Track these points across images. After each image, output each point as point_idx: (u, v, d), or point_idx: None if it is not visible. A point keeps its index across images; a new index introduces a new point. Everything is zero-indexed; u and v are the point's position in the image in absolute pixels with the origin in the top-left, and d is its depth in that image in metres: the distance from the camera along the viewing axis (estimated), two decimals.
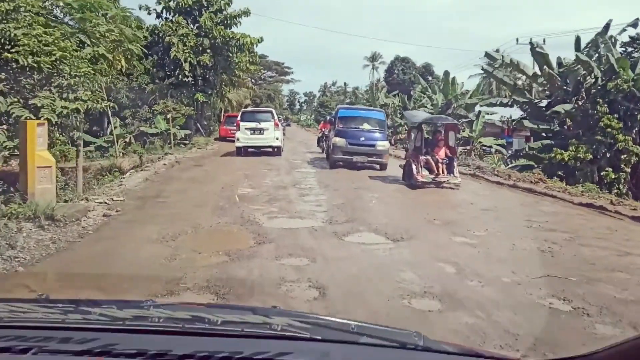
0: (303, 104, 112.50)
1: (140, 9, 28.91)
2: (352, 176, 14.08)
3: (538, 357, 1.64)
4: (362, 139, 15.38)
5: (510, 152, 33.12)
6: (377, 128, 16.06)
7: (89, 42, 13.11)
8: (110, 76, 23.27)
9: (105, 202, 8.79)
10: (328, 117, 26.23)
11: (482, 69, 25.11)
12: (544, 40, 29.33)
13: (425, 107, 37.78)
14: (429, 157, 11.91)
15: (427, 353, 1.35)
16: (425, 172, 11.78)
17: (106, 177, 15.17)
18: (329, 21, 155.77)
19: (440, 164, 11.80)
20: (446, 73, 37.14)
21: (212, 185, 11.52)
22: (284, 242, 6.52)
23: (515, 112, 36.88)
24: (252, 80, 56.40)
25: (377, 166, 15.66)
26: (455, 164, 12.25)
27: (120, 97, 30.83)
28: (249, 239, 6.70)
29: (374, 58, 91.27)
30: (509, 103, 25.04)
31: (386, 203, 10.13)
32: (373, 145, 15.33)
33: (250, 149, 19.76)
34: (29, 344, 1.17)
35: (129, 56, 15.31)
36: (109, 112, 21.33)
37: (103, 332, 1.26)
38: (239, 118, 20.40)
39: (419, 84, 45.72)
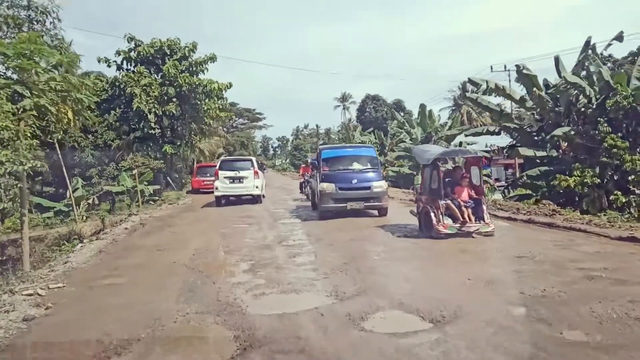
0: (277, 149, 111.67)
1: (99, 61, 27.42)
2: (346, 225, 12.14)
3: None
4: (355, 181, 13.23)
5: (491, 180, 31.94)
6: (370, 167, 13.94)
7: (28, 94, 11.30)
8: (62, 132, 21.26)
9: (37, 294, 6.64)
10: (309, 160, 24.44)
11: (465, 96, 23.96)
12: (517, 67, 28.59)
13: (404, 141, 36.73)
14: (448, 201, 9.78)
15: None
16: (448, 221, 9.64)
17: (63, 246, 13.09)
18: (297, 65, 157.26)
19: (464, 209, 9.68)
20: (422, 106, 36.14)
21: (181, 253, 9.42)
22: (280, 344, 4.48)
23: (496, 140, 35.80)
24: (224, 129, 54.87)
25: (374, 212, 13.73)
26: (484, 207, 10.00)
27: (84, 155, 28.92)
28: (228, 341, 4.63)
29: (344, 98, 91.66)
30: (496, 130, 23.78)
31: (398, 260, 8.16)
32: (368, 188, 13.17)
33: (231, 198, 19.67)
34: None
35: (79, 107, 13.31)
36: (65, 173, 19.23)
37: None
38: (217, 167, 20.37)
39: (395, 119, 44.92)
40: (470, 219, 9.66)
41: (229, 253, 9.42)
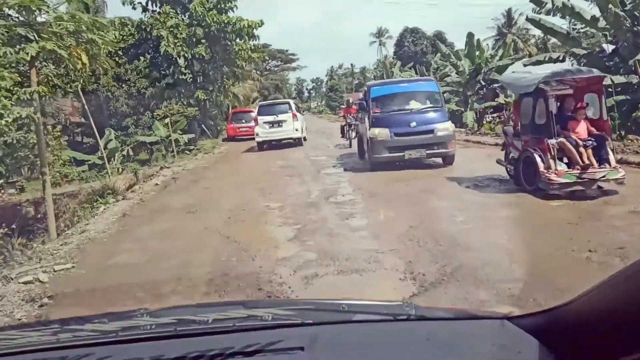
0: (311, 91, 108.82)
1: (123, 4, 25.66)
2: (403, 176, 10.35)
3: (525, 311, 1.18)
4: (413, 124, 10.91)
5: None
6: (430, 105, 11.52)
7: (34, 37, 9.94)
8: (93, 81, 19.93)
9: (38, 280, 5.38)
10: (350, 100, 22.36)
11: (527, 18, 21.09)
12: None
13: (449, 75, 34.02)
14: (562, 139, 7.32)
15: (420, 322, 1.32)
16: (562, 167, 7.27)
17: (96, 202, 12.10)
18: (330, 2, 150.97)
19: (583, 149, 7.20)
20: (470, 35, 32.84)
21: (214, 216, 8.04)
22: None
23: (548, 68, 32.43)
24: (258, 72, 52.83)
25: (438, 160, 11.57)
26: (608, 147, 7.36)
27: (119, 105, 27.89)
28: None
29: (380, 33, 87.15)
30: (561, 58, 21.06)
31: (484, 224, 6.39)
32: (431, 131, 10.80)
33: (272, 142, 19.52)
34: None
35: (94, 50, 11.80)
36: (93, 124, 18.09)
37: (96, 347, 1.20)
38: (256, 112, 20.46)
39: (438, 52, 41.79)
40: (592, 163, 7.20)
41: (269, 214, 7.99)
